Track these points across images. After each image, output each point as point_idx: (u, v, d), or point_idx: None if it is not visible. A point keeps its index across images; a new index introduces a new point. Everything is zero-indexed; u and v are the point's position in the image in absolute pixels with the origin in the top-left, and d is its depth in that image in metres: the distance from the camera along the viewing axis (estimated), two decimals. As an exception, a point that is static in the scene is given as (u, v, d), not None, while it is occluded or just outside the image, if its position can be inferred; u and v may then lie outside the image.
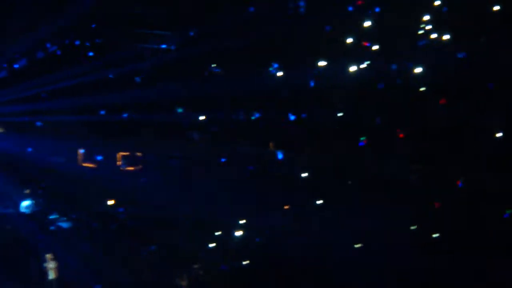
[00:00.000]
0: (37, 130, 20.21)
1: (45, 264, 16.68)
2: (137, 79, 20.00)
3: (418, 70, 17.49)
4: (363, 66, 17.93)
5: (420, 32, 17.69)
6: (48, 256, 16.73)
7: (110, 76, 19.90)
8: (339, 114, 18.45)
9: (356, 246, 16.79)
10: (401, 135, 17.87)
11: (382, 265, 15.40)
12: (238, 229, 17.94)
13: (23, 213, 20.08)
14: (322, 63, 18.19)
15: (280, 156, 19.23)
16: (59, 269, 16.68)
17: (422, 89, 17.61)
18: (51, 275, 16.63)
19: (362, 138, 17.98)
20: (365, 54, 18.01)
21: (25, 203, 20.37)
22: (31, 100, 19.64)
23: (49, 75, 19.34)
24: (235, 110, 19.58)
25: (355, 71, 17.91)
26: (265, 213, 17.57)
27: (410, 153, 17.50)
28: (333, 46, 18.22)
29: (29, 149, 20.28)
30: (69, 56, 20.15)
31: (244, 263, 17.60)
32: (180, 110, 20.21)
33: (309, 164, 18.40)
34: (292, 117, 19.07)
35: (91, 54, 20.11)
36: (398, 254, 15.42)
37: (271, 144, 19.60)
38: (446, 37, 17.35)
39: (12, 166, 19.51)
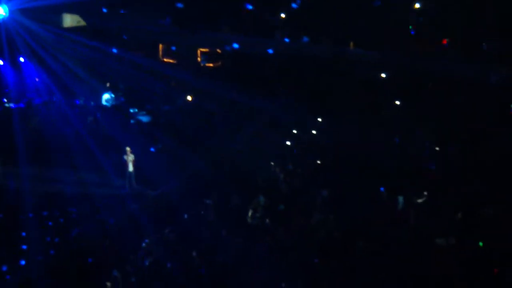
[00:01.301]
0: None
1: (125, 157, 16.78)
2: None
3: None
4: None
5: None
6: (128, 149, 16.78)
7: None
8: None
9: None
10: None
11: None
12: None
13: (105, 106, 20.24)
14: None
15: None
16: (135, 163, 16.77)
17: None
18: (130, 167, 16.74)
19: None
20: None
21: (106, 96, 20.63)
22: None
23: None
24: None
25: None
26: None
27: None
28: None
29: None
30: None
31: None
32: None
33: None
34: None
35: None
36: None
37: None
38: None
39: (95, 61, 19.52)
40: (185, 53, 20.66)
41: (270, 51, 18.94)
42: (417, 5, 18.34)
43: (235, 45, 19.18)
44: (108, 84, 20.24)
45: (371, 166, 15.41)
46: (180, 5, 18.68)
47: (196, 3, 18.80)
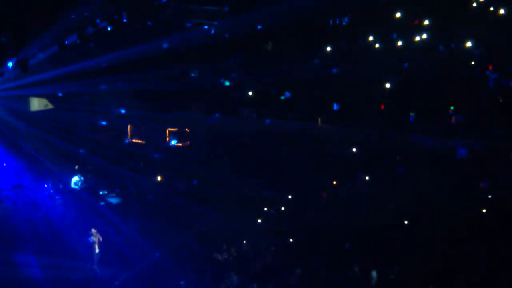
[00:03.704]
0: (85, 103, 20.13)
1: (91, 238, 16.71)
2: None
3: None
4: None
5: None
6: (93, 230, 16.74)
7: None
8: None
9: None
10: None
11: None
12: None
13: (73, 189, 20.19)
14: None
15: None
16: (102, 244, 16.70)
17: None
18: (96, 249, 16.63)
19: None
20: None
21: (75, 179, 20.62)
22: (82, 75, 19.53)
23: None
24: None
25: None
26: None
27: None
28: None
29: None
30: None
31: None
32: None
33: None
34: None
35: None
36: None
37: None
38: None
39: (62, 143, 19.66)
40: (154, 133, 20.91)
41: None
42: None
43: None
44: (76, 167, 20.28)
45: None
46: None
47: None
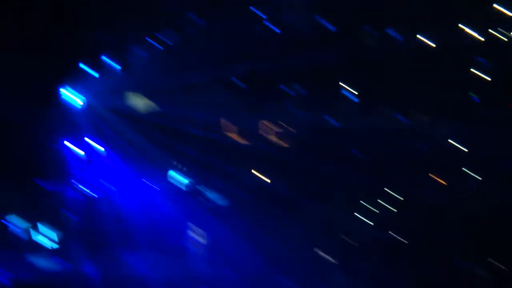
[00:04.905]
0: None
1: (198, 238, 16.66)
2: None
3: None
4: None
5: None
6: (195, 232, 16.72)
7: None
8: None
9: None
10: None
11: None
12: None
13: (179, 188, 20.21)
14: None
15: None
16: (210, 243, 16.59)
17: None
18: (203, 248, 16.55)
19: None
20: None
21: (173, 174, 20.62)
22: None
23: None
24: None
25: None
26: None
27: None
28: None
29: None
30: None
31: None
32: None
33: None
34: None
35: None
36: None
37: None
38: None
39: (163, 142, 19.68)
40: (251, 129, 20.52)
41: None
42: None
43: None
44: (181, 166, 20.23)
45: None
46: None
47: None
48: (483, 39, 17.03)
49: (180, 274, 16.55)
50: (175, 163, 20.13)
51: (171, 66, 18.45)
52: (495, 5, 16.64)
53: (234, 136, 20.47)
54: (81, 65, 18.47)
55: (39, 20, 17.91)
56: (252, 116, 19.92)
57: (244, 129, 20.44)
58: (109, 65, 18.43)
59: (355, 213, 17.47)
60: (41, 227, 18.18)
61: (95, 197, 18.97)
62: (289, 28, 18.06)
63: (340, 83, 18.86)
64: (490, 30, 16.98)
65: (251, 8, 18.29)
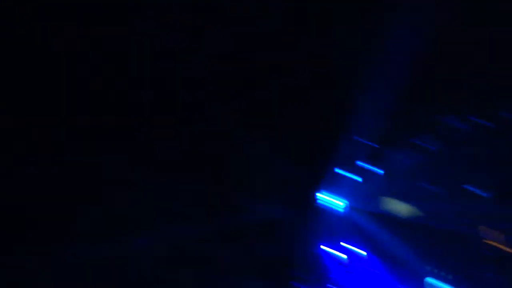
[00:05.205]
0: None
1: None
2: None
3: None
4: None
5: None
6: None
7: None
8: None
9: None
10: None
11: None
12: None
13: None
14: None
15: None
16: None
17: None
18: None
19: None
20: None
21: (432, 282, 19.70)
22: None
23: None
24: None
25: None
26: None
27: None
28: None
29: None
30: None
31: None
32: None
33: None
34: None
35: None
36: None
37: None
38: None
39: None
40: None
41: None
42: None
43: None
44: (435, 270, 19.50)
45: None
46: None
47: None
48: None
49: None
50: (435, 270, 19.47)
51: (435, 171, 18.02)
52: None
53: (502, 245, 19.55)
54: (338, 170, 18.67)
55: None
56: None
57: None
58: (370, 169, 18.40)
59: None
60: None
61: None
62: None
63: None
64: None
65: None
